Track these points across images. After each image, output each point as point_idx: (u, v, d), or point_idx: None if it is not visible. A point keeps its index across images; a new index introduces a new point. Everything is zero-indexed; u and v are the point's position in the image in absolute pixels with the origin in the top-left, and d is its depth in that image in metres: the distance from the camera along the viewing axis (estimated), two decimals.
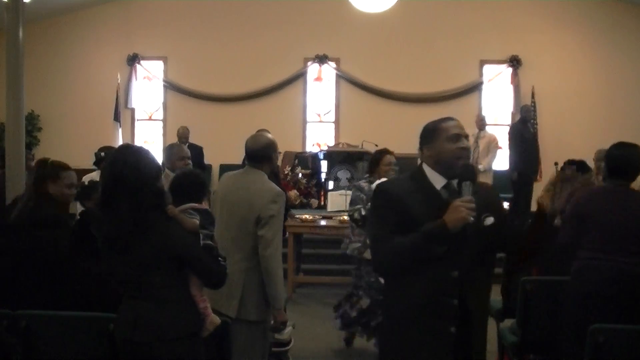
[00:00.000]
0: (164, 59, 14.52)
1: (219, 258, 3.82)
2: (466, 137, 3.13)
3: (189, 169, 4.88)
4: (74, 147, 13.09)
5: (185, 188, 3.79)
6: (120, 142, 13.53)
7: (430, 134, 3.16)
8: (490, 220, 2.96)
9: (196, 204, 3.85)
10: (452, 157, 3.05)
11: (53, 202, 4.33)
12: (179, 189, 3.78)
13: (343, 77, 14.43)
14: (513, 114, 13.97)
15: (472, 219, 2.90)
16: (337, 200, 10.50)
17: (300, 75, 14.48)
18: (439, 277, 3.03)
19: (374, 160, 6.24)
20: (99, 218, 3.24)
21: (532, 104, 13.47)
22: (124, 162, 3.19)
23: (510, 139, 12.00)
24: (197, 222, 3.60)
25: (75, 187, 4.70)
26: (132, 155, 3.23)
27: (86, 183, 6.19)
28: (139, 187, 3.16)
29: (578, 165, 5.38)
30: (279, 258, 4.31)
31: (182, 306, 3.29)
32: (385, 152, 6.27)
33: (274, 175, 8.41)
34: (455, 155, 3.05)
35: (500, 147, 11.91)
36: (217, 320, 3.54)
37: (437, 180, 3.10)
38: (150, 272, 3.19)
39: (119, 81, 14.08)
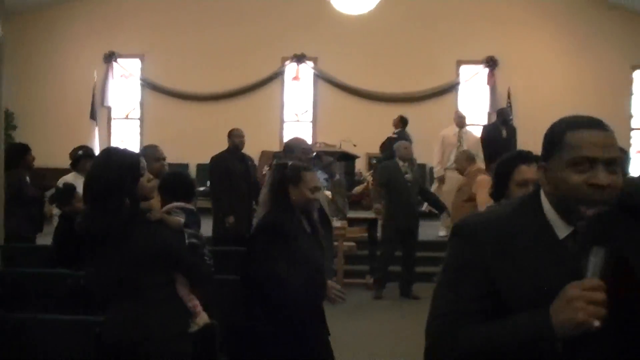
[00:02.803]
0: (141, 57, 14.46)
1: (205, 257, 3.84)
2: (611, 162, 1.75)
3: (179, 170, 4.94)
4: (50, 145, 12.94)
5: (173, 188, 3.82)
6: (97, 141, 13.45)
7: (550, 142, 1.87)
8: None
9: (182, 203, 3.87)
10: (573, 196, 1.76)
11: None
12: (167, 189, 3.80)
13: (321, 77, 14.46)
14: (489, 114, 14.09)
15: (596, 324, 1.59)
16: None
17: (278, 75, 14.49)
18: None
19: (502, 175, 3.42)
20: (86, 220, 3.23)
21: (508, 104, 13.59)
22: (106, 164, 3.21)
23: (484, 139, 11.98)
24: (182, 220, 3.63)
25: None
26: (114, 156, 3.26)
27: (60, 186, 6.15)
28: (123, 189, 3.17)
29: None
30: None
31: (169, 306, 3.29)
32: (521, 159, 3.38)
33: (243, 173, 8.58)
34: (579, 194, 1.75)
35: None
36: (206, 318, 3.56)
37: (558, 223, 1.82)
38: (137, 273, 3.18)
39: (95, 79, 13.98)
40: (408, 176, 9.02)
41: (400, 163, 9.07)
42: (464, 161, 8.36)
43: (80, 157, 7.45)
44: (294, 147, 5.21)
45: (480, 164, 9.38)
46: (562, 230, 1.80)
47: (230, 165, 8.57)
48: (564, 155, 1.78)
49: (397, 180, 8.99)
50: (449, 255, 1.94)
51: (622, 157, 1.80)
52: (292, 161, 4.11)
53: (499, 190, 3.36)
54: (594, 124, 1.82)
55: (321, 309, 4.01)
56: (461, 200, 8.09)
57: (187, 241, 3.60)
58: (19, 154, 7.28)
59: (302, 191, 3.81)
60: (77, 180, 7.10)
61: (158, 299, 3.24)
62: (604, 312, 1.59)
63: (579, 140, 1.78)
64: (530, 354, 1.69)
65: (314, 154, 5.50)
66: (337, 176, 9.59)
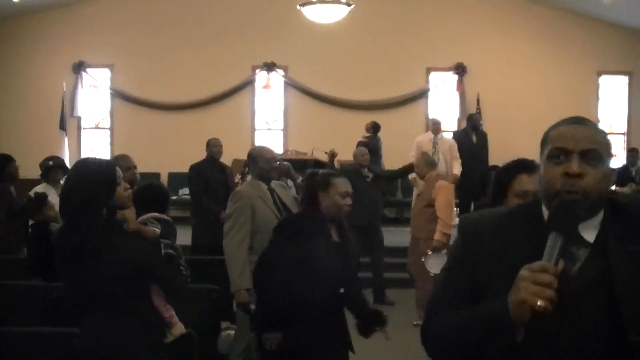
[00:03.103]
0: (111, 67, 14.37)
1: (181, 267, 3.84)
2: (586, 154, 1.83)
3: (153, 181, 4.99)
4: (19, 156, 12.52)
5: (148, 199, 3.82)
6: (67, 151, 13.34)
7: (541, 143, 1.96)
8: None
9: (157, 214, 3.87)
10: (552, 187, 1.83)
11: None
12: (142, 200, 3.80)
13: (291, 85, 14.49)
14: (459, 120, 14.22)
15: (540, 303, 1.61)
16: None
17: (249, 83, 14.49)
18: None
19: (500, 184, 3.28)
20: (63, 234, 3.21)
21: (478, 110, 13.72)
22: (82, 176, 3.19)
23: (458, 146, 12.06)
24: (158, 231, 3.62)
25: None
26: (74, 171, 3.28)
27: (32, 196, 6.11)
28: (100, 200, 3.16)
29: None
30: (233, 248, 4.90)
31: (145, 318, 3.28)
32: (522, 168, 3.20)
33: (222, 182, 8.57)
34: (556, 185, 1.82)
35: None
36: (182, 328, 3.56)
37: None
38: (112, 285, 3.15)
39: (64, 89, 13.87)
40: (369, 180, 9.06)
41: (361, 169, 9.13)
42: (424, 166, 8.29)
43: (51, 167, 7.38)
44: (257, 157, 5.23)
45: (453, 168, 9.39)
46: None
47: (209, 174, 8.60)
48: (545, 151, 1.89)
49: (357, 185, 8.96)
50: (452, 244, 2.09)
51: (600, 151, 1.84)
52: (323, 169, 4.25)
53: (496, 200, 3.14)
54: (575, 120, 1.91)
55: (338, 321, 3.91)
56: (421, 206, 8.12)
57: (163, 252, 3.59)
58: (1, 164, 7.18)
59: (332, 197, 3.89)
60: (48, 191, 7.05)
61: (133, 311, 3.22)
62: (549, 294, 1.61)
63: (557, 134, 1.88)
64: (493, 342, 1.75)
65: (278, 163, 5.50)
66: (300, 179, 9.63)
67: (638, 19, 13.68)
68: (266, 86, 14.61)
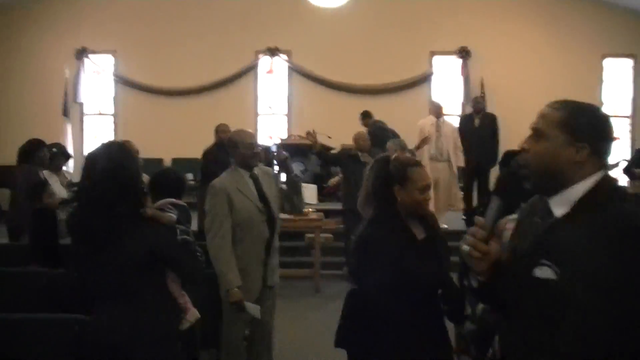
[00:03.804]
0: (113, 53, 14.36)
1: (197, 253, 3.82)
2: (534, 131, 2.13)
3: (168, 167, 4.88)
4: (22, 142, 12.83)
5: (164, 185, 3.80)
6: (70, 138, 13.34)
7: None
8: (544, 271, 1.95)
9: (174, 200, 3.86)
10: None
11: None
12: (158, 186, 3.78)
13: (295, 70, 14.45)
14: (463, 105, 14.17)
15: (464, 247, 2.05)
16: None
17: (252, 68, 14.47)
18: None
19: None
20: (80, 216, 3.17)
21: (482, 95, 13.66)
22: (112, 159, 3.14)
23: (459, 130, 12.02)
24: (174, 217, 3.61)
25: None
26: (119, 153, 3.20)
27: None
28: (131, 184, 3.13)
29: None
30: (216, 247, 4.51)
31: (161, 306, 3.25)
32: None
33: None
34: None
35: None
36: (197, 314, 3.55)
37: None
38: (130, 272, 3.13)
39: (67, 75, 13.85)
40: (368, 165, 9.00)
41: (360, 153, 9.10)
42: (394, 151, 8.31)
43: (55, 155, 7.39)
44: (238, 142, 4.77)
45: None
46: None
47: (221, 159, 8.57)
48: None
49: (356, 171, 9.00)
50: None
51: (542, 129, 2.04)
52: (396, 155, 3.53)
53: (381, 197, 3.17)
54: (555, 101, 2.13)
55: (436, 330, 3.28)
56: None
57: (179, 237, 3.58)
58: (32, 148, 7.20)
59: (410, 192, 3.23)
60: (50, 178, 7.05)
61: (149, 299, 3.19)
62: (471, 241, 2.01)
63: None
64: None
65: (260, 148, 5.10)
66: (295, 172, 9.60)
67: None
68: (269, 71, 14.57)
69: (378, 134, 10.53)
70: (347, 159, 9.32)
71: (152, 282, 3.22)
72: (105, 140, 3.37)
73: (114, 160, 3.14)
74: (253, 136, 4.96)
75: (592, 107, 2.09)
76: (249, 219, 4.62)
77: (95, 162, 3.16)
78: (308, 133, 9.27)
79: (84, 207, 3.15)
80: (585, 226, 1.90)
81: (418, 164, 3.38)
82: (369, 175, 3.49)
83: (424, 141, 10.11)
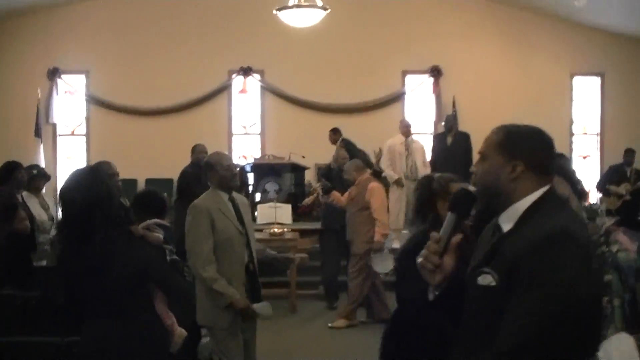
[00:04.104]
0: (86, 73, 14.28)
1: (185, 274, 3.83)
2: (480, 154, 2.31)
3: (151, 187, 4.84)
4: None
5: (148, 205, 3.80)
6: (42, 159, 13.24)
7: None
8: (485, 279, 2.08)
9: (158, 220, 3.87)
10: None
11: None
12: (142, 206, 3.79)
13: (268, 89, 14.50)
14: (435, 123, 14.31)
15: (419, 259, 2.19)
16: (266, 212, 10.55)
17: (225, 88, 14.48)
18: None
19: None
20: (68, 237, 3.15)
21: (454, 113, 13.80)
22: (83, 187, 3.15)
23: (435, 149, 12.14)
24: (161, 237, 3.62)
25: None
26: (88, 178, 3.21)
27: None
28: (107, 204, 3.13)
29: None
30: (202, 265, 4.40)
31: (150, 325, 3.26)
32: None
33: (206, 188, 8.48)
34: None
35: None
36: (184, 333, 3.55)
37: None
38: (119, 290, 3.13)
39: (39, 96, 13.76)
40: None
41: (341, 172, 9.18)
42: (353, 171, 8.39)
43: (35, 176, 7.36)
44: (215, 164, 4.73)
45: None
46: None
47: (196, 179, 8.57)
48: None
49: (337, 188, 9.13)
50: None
51: (485, 152, 2.22)
52: (440, 173, 3.78)
53: (427, 213, 3.30)
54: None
55: None
56: (355, 210, 8.20)
57: (168, 258, 3.58)
58: (9, 170, 7.12)
59: None
60: (30, 200, 7.00)
61: (139, 319, 3.19)
62: (432, 258, 2.13)
63: None
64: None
65: (237, 168, 5.10)
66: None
67: (610, 21, 13.86)
68: (243, 90, 14.61)
69: (351, 148, 10.68)
70: (335, 177, 9.46)
71: (142, 303, 3.24)
72: (76, 168, 3.35)
73: (85, 188, 3.16)
74: (230, 158, 4.97)
75: (528, 128, 2.31)
76: (230, 240, 4.61)
77: (68, 197, 3.18)
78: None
79: (72, 230, 3.14)
80: (524, 237, 2.04)
81: (457, 180, 3.65)
82: (415, 194, 3.80)
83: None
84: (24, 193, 7.06)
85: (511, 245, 2.04)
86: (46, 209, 7.39)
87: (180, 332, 3.52)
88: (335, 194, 8.54)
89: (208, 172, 4.78)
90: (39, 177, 7.34)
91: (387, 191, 11.37)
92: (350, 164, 8.64)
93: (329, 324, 8.13)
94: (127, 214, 3.23)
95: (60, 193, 3.25)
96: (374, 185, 8.15)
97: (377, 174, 9.23)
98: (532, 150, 2.20)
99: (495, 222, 2.21)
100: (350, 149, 10.69)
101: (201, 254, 4.44)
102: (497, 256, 2.07)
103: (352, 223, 8.30)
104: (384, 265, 7.92)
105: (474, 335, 2.09)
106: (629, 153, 12.75)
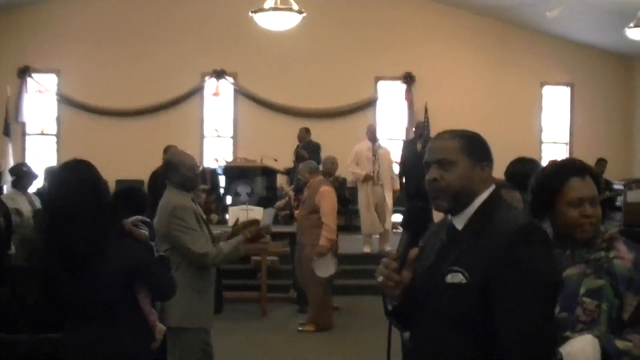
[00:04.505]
0: (57, 72, 14.16)
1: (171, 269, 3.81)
2: (438, 162, 2.28)
3: (133, 184, 4.68)
4: None
5: (130, 201, 3.75)
6: (11, 158, 13.09)
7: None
8: (455, 277, 2.11)
9: (141, 217, 3.83)
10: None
11: None
12: (123, 203, 3.74)
13: (241, 93, 14.48)
14: (407, 129, 14.39)
15: (379, 279, 2.22)
16: (238, 215, 10.52)
17: (198, 90, 14.44)
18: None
19: (545, 190, 2.75)
20: (55, 237, 3.11)
21: (426, 120, 13.89)
22: (85, 175, 3.13)
23: (404, 155, 12.15)
24: (147, 234, 3.59)
25: None
26: (89, 169, 3.19)
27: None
28: (107, 199, 3.12)
29: None
30: (208, 255, 4.42)
31: (137, 324, 3.24)
32: (573, 170, 2.73)
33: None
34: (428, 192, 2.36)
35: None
36: (163, 328, 3.53)
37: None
38: (110, 289, 3.09)
39: (8, 94, 13.61)
40: None
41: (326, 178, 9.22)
42: (306, 173, 8.40)
43: (25, 174, 7.28)
44: (179, 164, 4.60)
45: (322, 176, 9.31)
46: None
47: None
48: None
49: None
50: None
51: (450, 158, 2.22)
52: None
53: (537, 210, 2.76)
54: (437, 135, 2.37)
55: None
56: (306, 212, 8.20)
57: (156, 254, 3.56)
58: None
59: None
60: (17, 198, 6.91)
61: (126, 318, 3.17)
62: (384, 272, 2.19)
63: (426, 149, 2.35)
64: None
65: (200, 168, 4.95)
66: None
67: (580, 32, 14.07)
68: (215, 93, 14.58)
69: (314, 150, 10.82)
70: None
71: (129, 300, 3.21)
72: (69, 160, 3.29)
73: (88, 176, 3.14)
74: (194, 158, 4.87)
75: (471, 132, 2.36)
76: (207, 242, 4.57)
77: (66, 179, 3.14)
78: None
79: (61, 226, 3.08)
80: (478, 234, 2.16)
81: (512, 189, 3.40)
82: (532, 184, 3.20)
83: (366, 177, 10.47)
84: (12, 190, 6.99)
85: (482, 244, 2.12)
86: (34, 206, 7.31)
87: (161, 328, 3.50)
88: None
89: (170, 171, 4.63)
90: (28, 175, 7.26)
91: (353, 193, 11.52)
92: (303, 166, 8.65)
93: (299, 328, 8.13)
94: (116, 210, 3.20)
95: (50, 191, 3.19)
96: (326, 189, 8.11)
97: (328, 176, 9.25)
98: (488, 153, 2.31)
99: (447, 222, 2.29)
100: (313, 151, 10.86)
101: (203, 246, 4.42)
102: (457, 253, 2.15)
103: (302, 226, 8.31)
104: (326, 269, 7.89)
105: (438, 330, 2.17)
106: (601, 163, 12.91)
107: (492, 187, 2.27)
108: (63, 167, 3.28)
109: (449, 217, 2.28)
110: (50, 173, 3.28)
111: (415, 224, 2.04)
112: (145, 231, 3.58)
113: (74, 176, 3.13)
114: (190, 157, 4.77)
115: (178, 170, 4.58)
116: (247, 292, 9.74)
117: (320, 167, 9.17)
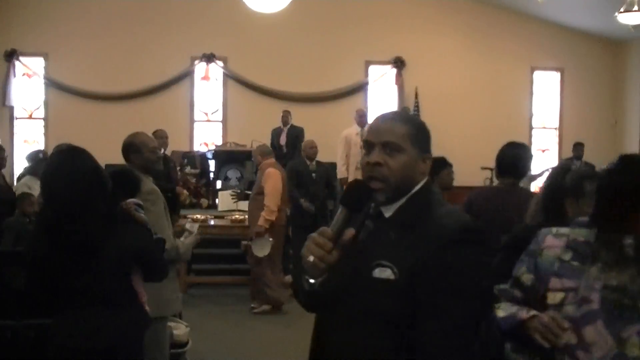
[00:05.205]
0: (45, 55, 14.04)
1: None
2: (385, 145, 2.09)
3: (125, 166, 4.56)
4: None
5: (123, 184, 3.70)
6: None
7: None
8: (383, 272, 2.00)
9: (136, 200, 3.81)
10: (363, 174, 2.18)
11: None
12: (118, 185, 3.71)
13: (230, 77, 14.41)
14: None
15: (310, 258, 1.98)
16: (228, 199, 10.54)
17: (188, 74, 14.36)
18: None
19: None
20: (59, 224, 3.06)
21: (416, 104, 13.89)
22: (85, 161, 3.13)
23: None
24: (145, 217, 3.59)
25: None
26: (86, 154, 3.18)
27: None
28: (106, 184, 3.12)
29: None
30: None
31: (134, 308, 3.25)
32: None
33: (166, 176, 8.36)
34: (364, 172, 2.16)
35: None
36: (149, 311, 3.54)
37: None
38: (110, 277, 3.09)
39: None
40: (314, 175, 9.31)
41: (308, 162, 9.36)
42: (259, 155, 8.54)
43: (42, 160, 7.26)
44: (141, 146, 4.42)
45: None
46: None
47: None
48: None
49: (305, 178, 9.28)
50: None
51: (398, 143, 2.05)
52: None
53: (551, 210, 2.80)
54: (385, 115, 2.17)
55: None
56: (254, 194, 8.31)
57: (154, 237, 3.57)
58: None
59: (582, 208, 2.79)
60: (34, 184, 6.87)
61: (125, 303, 3.17)
62: (319, 252, 1.95)
63: (368, 128, 2.19)
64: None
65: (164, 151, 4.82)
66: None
67: (570, 17, 14.05)
68: (205, 77, 14.50)
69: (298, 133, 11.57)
70: (298, 166, 9.70)
71: (127, 284, 3.21)
72: (62, 148, 3.25)
73: (90, 164, 3.13)
74: (154, 140, 4.74)
75: (422, 121, 2.23)
76: (161, 230, 4.35)
77: (68, 170, 3.09)
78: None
79: (70, 218, 3.02)
80: (409, 227, 2.03)
81: (595, 177, 2.85)
82: (544, 185, 3.23)
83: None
84: (27, 177, 6.96)
85: (414, 239, 2.00)
86: None
87: (148, 309, 3.50)
88: None
89: (131, 153, 4.44)
90: (44, 161, 7.24)
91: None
92: (257, 148, 8.77)
93: (253, 311, 8.25)
94: (115, 193, 3.19)
95: (52, 183, 3.11)
96: (271, 170, 8.18)
97: (310, 160, 9.39)
98: (430, 143, 2.19)
99: (374, 209, 2.13)
100: (296, 135, 11.06)
101: (169, 238, 4.28)
102: (394, 248, 2.01)
103: (250, 208, 8.37)
104: (262, 249, 8.00)
105: (360, 325, 2.02)
106: (578, 147, 12.96)
107: (426, 179, 2.14)
108: (61, 156, 3.23)
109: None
110: (47, 163, 3.22)
111: (356, 203, 1.87)
112: (142, 214, 3.57)
113: (76, 166, 3.09)
114: (151, 138, 4.65)
115: (140, 152, 4.43)
116: (237, 276, 9.72)
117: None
